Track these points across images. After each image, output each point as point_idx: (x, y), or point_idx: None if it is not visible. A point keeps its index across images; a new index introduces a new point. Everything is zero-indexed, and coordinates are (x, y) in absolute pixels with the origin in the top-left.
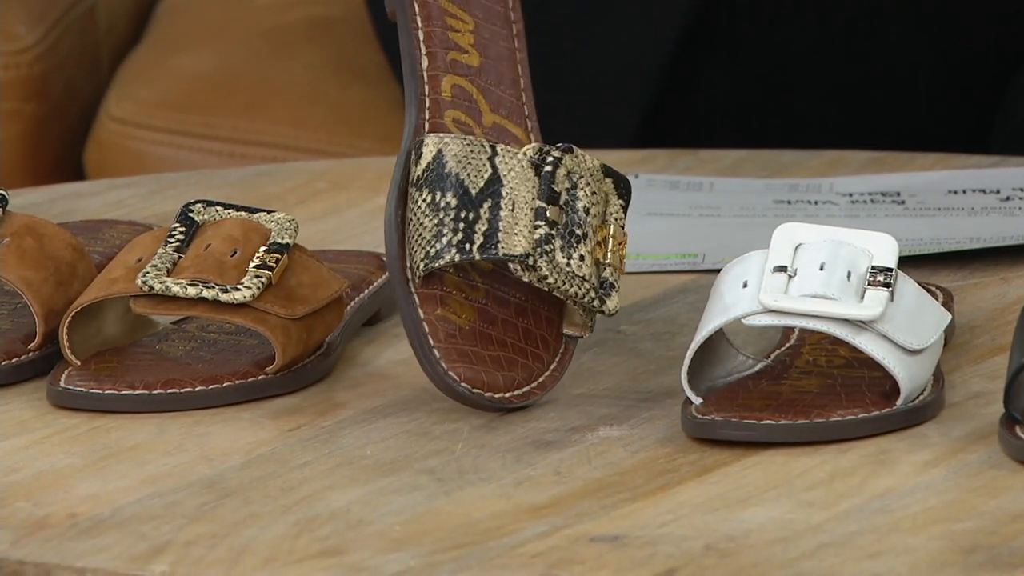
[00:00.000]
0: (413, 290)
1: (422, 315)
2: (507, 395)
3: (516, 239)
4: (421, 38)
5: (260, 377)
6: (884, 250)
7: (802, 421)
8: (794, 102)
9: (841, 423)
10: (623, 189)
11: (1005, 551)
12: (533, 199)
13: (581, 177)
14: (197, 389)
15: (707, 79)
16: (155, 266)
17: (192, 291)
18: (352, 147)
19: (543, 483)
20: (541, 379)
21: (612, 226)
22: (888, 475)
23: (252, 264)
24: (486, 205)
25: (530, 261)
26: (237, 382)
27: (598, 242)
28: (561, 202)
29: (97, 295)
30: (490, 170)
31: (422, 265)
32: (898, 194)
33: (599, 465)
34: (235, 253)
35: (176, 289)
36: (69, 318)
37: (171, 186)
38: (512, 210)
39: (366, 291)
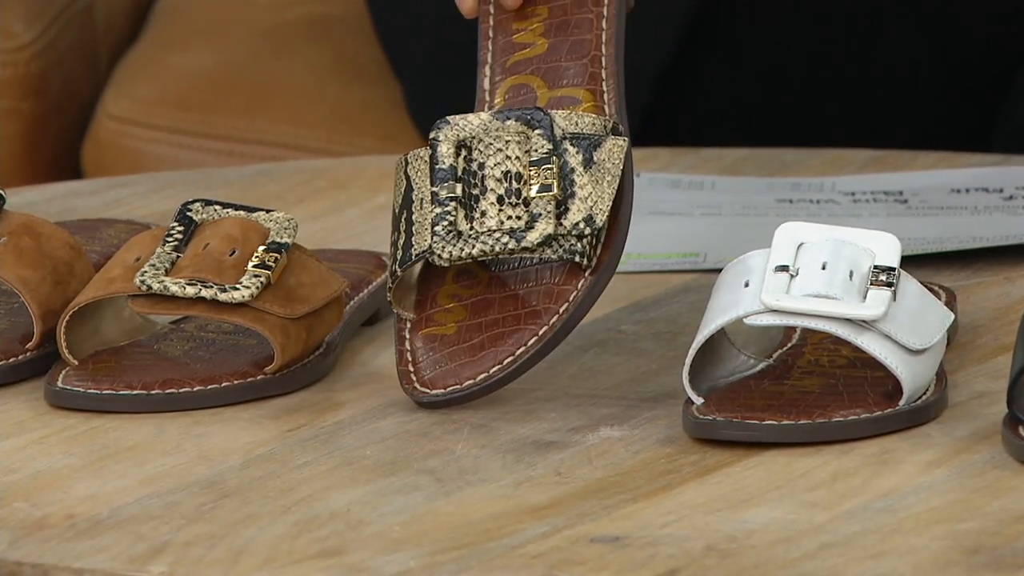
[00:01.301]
0: (397, 324)
1: (407, 346)
2: (478, 378)
3: (424, 235)
4: (481, 59)
5: (259, 377)
6: (887, 249)
7: (804, 421)
8: (795, 101)
9: (843, 423)
10: (532, 119)
11: (1008, 552)
12: (427, 188)
13: (474, 138)
14: (196, 389)
15: (707, 78)
16: (153, 265)
17: (191, 291)
18: (352, 146)
19: (544, 483)
20: (542, 331)
21: (535, 162)
22: (891, 475)
23: (251, 263)
24: (403, 217)
25: (430, 258)
26: (236, 382)
27: (509, 188)
28: (459, 173)
29: (95, 295)
30: (404, 181)
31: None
32: (900, 193)
33: (600, 465)
34: (234, 252)
35: (174, 288)
36: (67, 318)
37: (169, 185)
38: (420, 208)
39: (365, 290)
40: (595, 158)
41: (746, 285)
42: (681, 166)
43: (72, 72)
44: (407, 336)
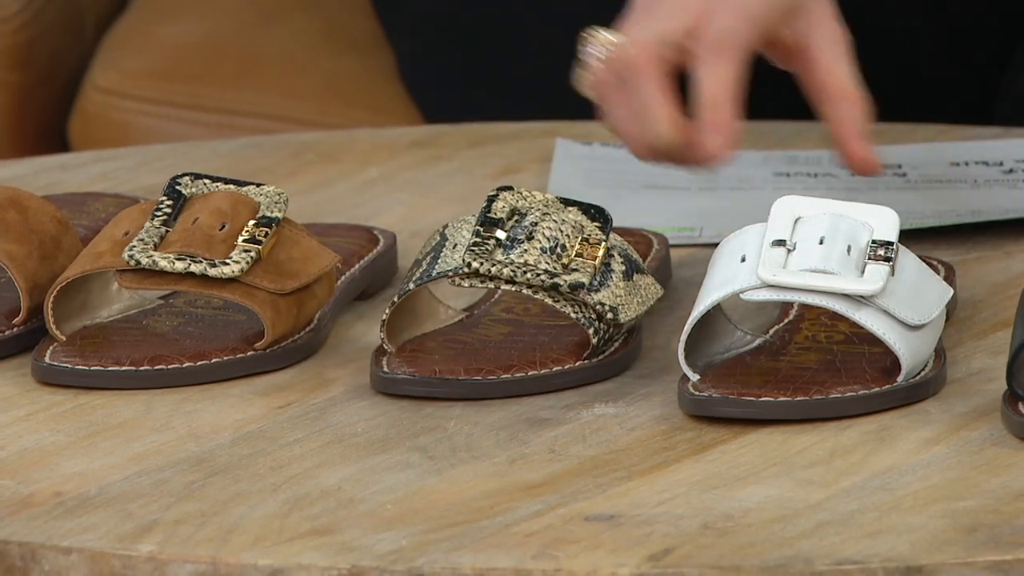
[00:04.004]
0: None
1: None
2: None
3: (454, 258)
4: None
5: (249, 353)
6: (885, 223)
7: (801, 398)
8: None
9: (841, 400)
10: (595, 214)
11: (1007, 530)
12: (467, 231)
13: (530, 208)
14: (185, 365)
15: None
16: (142, 240)
17: (180, 265)
18: (343, 117)
19: (537, 461)
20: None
21: (586, 239)
22: (889, 453)
23: (241, 238)
24: (428, 257)
25: (453, 277)
26: (225, 358)
27: (554, 247)
28: (507, 227)
29: (83, 269)
30: (438, 237)
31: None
32: (899, 166)
33: (594, 443)
34: (223, 227)
35: (163, 263)
36: (54, 293)
37: (158, 158)
38: (453, 248)
39: (357, 265)
40: (635, 279)
41: (743, 260)
42: None
43: (59, 44)
44: None
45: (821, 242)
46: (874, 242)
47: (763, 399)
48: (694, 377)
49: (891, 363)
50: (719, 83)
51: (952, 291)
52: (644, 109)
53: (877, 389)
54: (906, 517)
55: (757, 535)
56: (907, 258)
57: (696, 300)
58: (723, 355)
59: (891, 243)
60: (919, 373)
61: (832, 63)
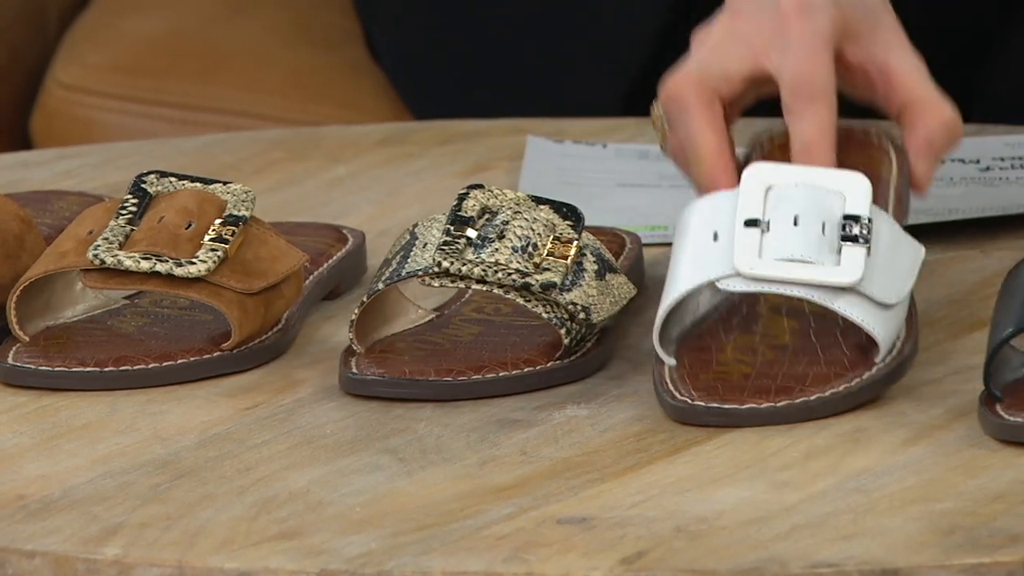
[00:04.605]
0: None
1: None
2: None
3: (424, 257)
4: None
5: (215, 354)
6: (857, 192)
7: (784, 403)
8: None
9: (823, 401)
10: (567, 213)
11: (984, 532)
12: (438, 230)
13: (502, 207)
14: (150, 366)
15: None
16: (107, 239)
17: (145, 265)
18: (309, 113)
19: (508, 463)
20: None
21: (558, 238)
22: (864, 454)
23: (207, 237)
24: (398, 256)
25: (423, 277)
26: (192, 359)
27: (525, 246)
28: (477, 226)
29: (46, 269)
30: (408, 236)
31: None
32: None
33: (566, 444)
34: (190, 226)
35: (128, 263)
36: (17, 293)
37: (122, 156)
38: (423, 248)
39: (325, 265)
40: (607, 278)
41: (715, 238)
42: (649, 136)
43: (20, 38)
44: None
45: (796, 222)
46: (847, 217)
47: (747, 406)
48: (671, 361)
49: (866, 338)
50: (811, 128)
51: (923, 250)
52: (688, 141)
53: (857, 383)
54: (882, 519)
55: (731, 538)
56: (880, 225)
57: (667, 280)
58: (694, 331)
59: (865, 217)
60: (894, 347)
61: (918, 80)
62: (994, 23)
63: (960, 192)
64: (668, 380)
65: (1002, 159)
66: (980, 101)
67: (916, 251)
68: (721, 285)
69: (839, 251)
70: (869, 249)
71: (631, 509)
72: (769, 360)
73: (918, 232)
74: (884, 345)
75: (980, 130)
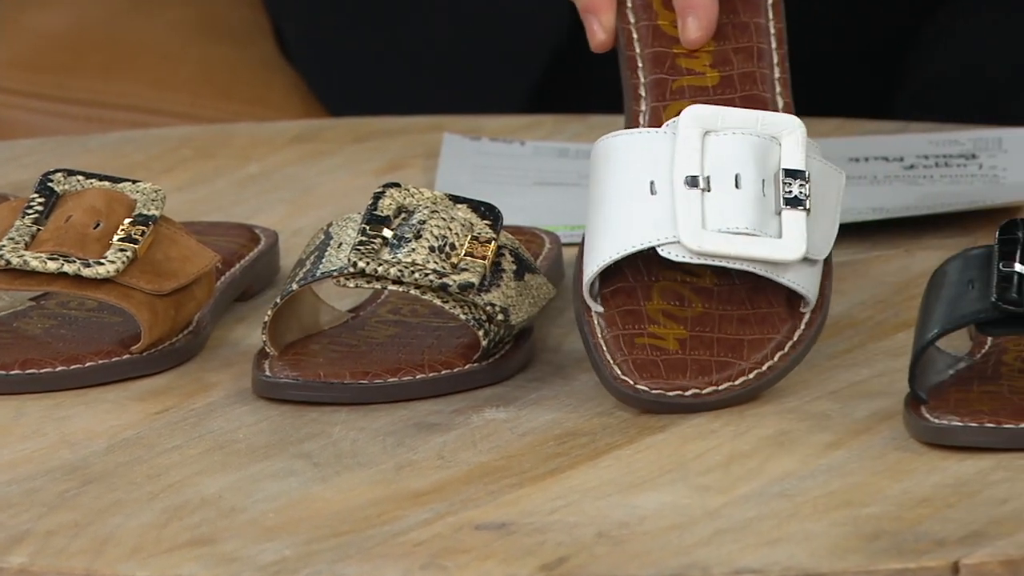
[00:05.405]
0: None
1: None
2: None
3: (339, 258)
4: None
5: (125, 356)
6: (793, 139)
7: (725, 386)
8: None
9: (766, 380)
10: (485, 212)
11: (910, 536)
12: (353, 230)
13: (418, 206)
14: (57, 369)
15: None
16: (12, 239)
17: (52, 265)
18: (218, 110)
19: (426, 468)
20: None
21: (476, 238)
22: (787, 458)
23: (116, 237)
24: (312, 256)
25: (337, 278)
26: (100, 362)
27: (442, 246)
28: (393, 226)
29: None
30: (322, 235)
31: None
32: None
33: (485, 449)
34: (98, 225)
35: (35, 263)
36: None
37: (27, 153)
38: (338, 248)
39: (237, 265)
40: (526, 279)
41: (652, 190)
42: (568, 133)
43: None
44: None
45: (737, 183)
46: (785, 172)
47: (691, 392)
48: (597, 307)
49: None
50: None
51: (844, 174)
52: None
53: (795, 341)
54: (805, 524)
55: (653, 543)
56: (813, 166)
57: (597, 219)
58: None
59: (803, 175)
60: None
61: None
62: (916, 17)
63: (884, 191)
64: (603, 345)
65: (926, 157)
66: (903, 97)
67: (839, 181)
68: (663, 252)
69: (779, 213)
70: (808, 208)
71: (551, 515)
72: (699, 315)
73: (841, 231)
74: (811, 297)
75: (904, 127)
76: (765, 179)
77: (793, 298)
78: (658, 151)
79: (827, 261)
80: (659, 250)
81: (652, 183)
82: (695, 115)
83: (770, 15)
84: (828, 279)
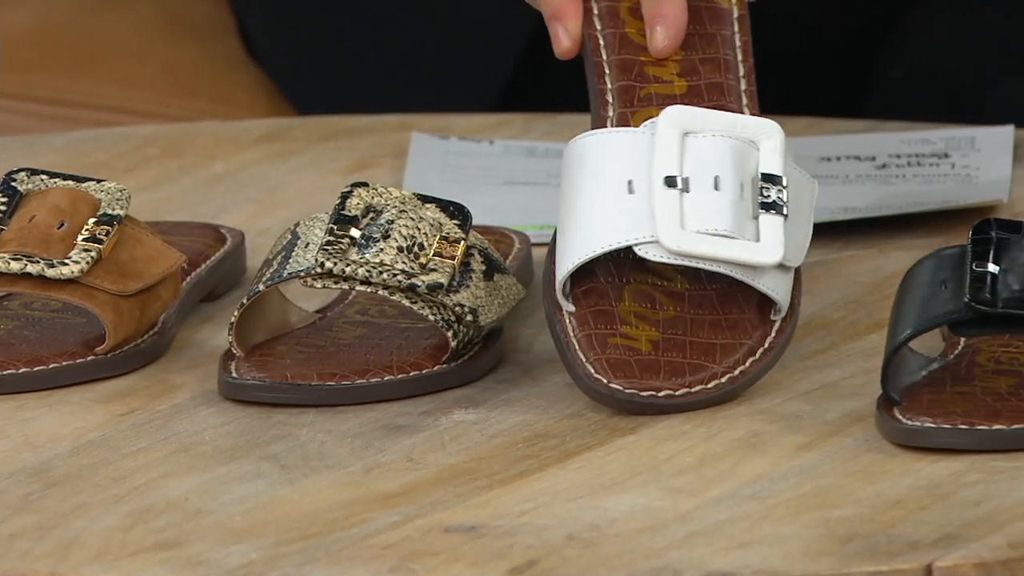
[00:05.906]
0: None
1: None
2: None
3: (306, 258)
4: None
5: (89, 358)
6: (771, 144)
7: (698, 388)
8: None
9: (739, 385)
10: (454, 212)
11: (883, 539)
12: (320, 230)
13: (386, 206)
14: (21, 371)
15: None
16: None
17: (15, 266)
18: (183, 108)
19: (394, 470)
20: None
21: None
22: (760, 459)
23: (80, 237)
24: (279, 256)
25: (304, 278)
26: (64, 363)
27: (411, 246)
28: (361, 226)
29: None
30: (289, 236)
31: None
32: None
33: (454, 451)
34: (62, 225)
35: None
36: None
37: None
38: (305, 248)
39: (203, 265)
40: (496, 279)
41: (630, 189)
42: (537, 132)
43: None
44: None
45: (716, 186)
46: (763, 177)
47: (664, 393)
48: (568, 307)
49: (762, 298)
50: None
51: (816, 183)
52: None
53: (766, 348)
54: (778, 527)
55: (624, 546)
56: (789, 175)
57: (572, 216)
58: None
59: (779, 180)
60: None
61: None
62: (886, 16)
63: (856, 190)
64: (576, 344)
65: (898, 156)
66: (874, 96)
67: (812, 191)
68: (640, 251)
69: (756, 218)
70: (786, 214)
71: (521, 517)
72: (671, 318)
73: (814, 231)
74: (786, 305)
75: (876, 126)
76: (743, 183)
77: (764, 305)
78: (637, 151)
79: (797, 269)
80: (636, 250)
81: (630, 182)
82: (674, 116)
83: (735, 28)
84: (798, 287)
